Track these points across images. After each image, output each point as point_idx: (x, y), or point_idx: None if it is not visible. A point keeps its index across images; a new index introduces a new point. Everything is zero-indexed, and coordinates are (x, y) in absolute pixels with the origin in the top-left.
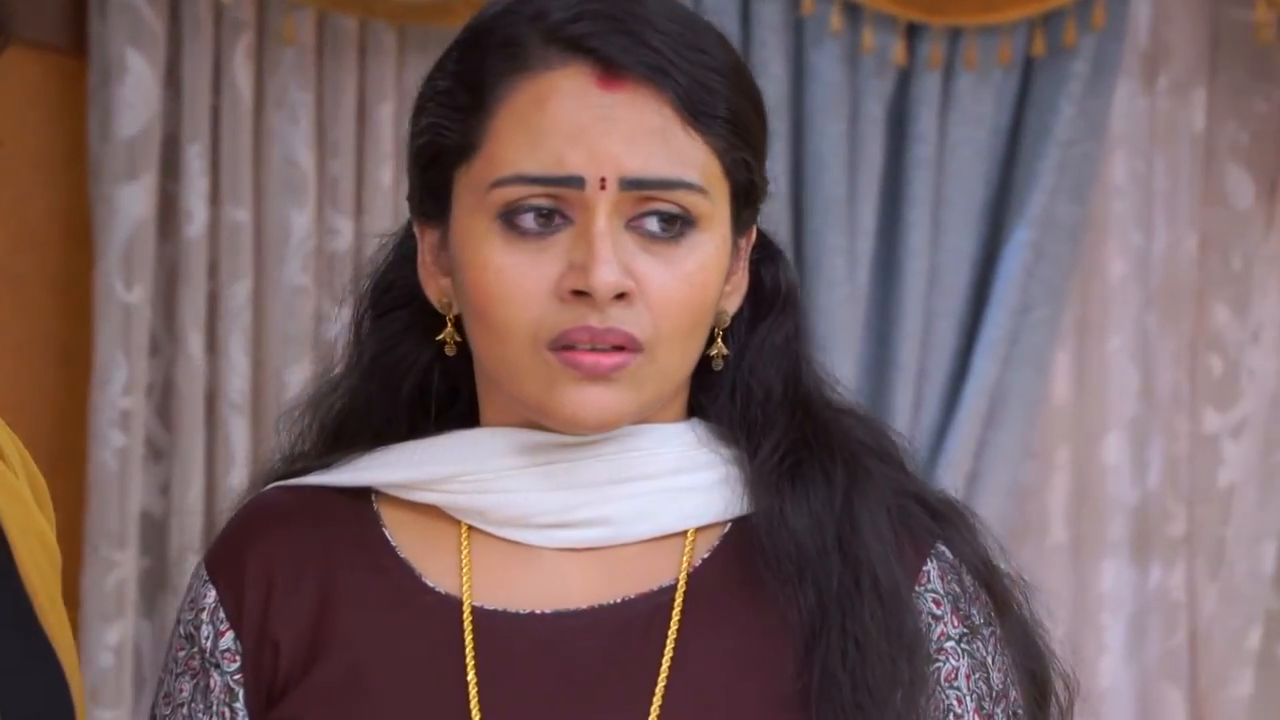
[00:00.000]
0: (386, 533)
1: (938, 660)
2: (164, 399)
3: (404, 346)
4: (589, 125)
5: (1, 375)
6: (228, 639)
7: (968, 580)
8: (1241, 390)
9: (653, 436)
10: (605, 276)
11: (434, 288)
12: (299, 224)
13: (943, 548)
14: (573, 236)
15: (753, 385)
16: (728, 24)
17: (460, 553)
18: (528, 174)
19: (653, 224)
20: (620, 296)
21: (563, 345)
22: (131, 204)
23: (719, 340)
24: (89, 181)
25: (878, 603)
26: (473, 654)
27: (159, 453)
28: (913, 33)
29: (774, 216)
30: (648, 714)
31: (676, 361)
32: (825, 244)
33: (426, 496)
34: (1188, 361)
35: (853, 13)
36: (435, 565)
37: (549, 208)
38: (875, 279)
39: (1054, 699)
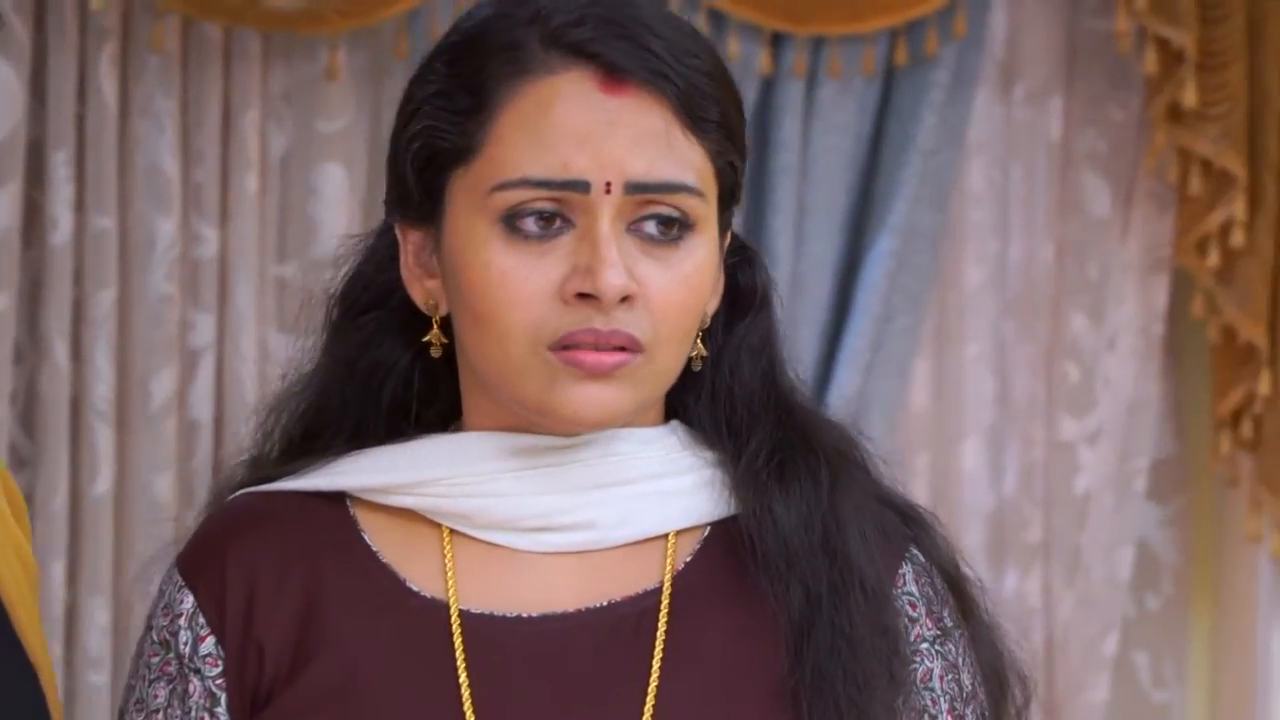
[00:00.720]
0: (365, 536)
1: (913, 661)
2: (28, 407)
3: (382, 348)
4: (593, 129)
5: None
6: (208, 644)
7: (939, 583)
8: (1097, 398)
9: (634, 440)
10: (613, 280)
11: (419, 290)
12: (164, 231)
13: (915, 551)
14: (575, 239)
15: (734, 386)
16: None
17: (444, 556)
18: (533, 177)
19: (653, 227)
20: (624, 299)
21: (565, 345)
22: None
23: (699, 342)
24: None
25: (864, 599)
26: (464, 658)
27: (22, 461)
28: (777, 42)
29: None
30: (641, 714)
31: (672, 362)
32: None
33: (404, 500)
34: (1044, 369)
35: (718, 22)
36: (418, 569)
37: (551, 211)
38: (795, 284)
39: (1010, 698)
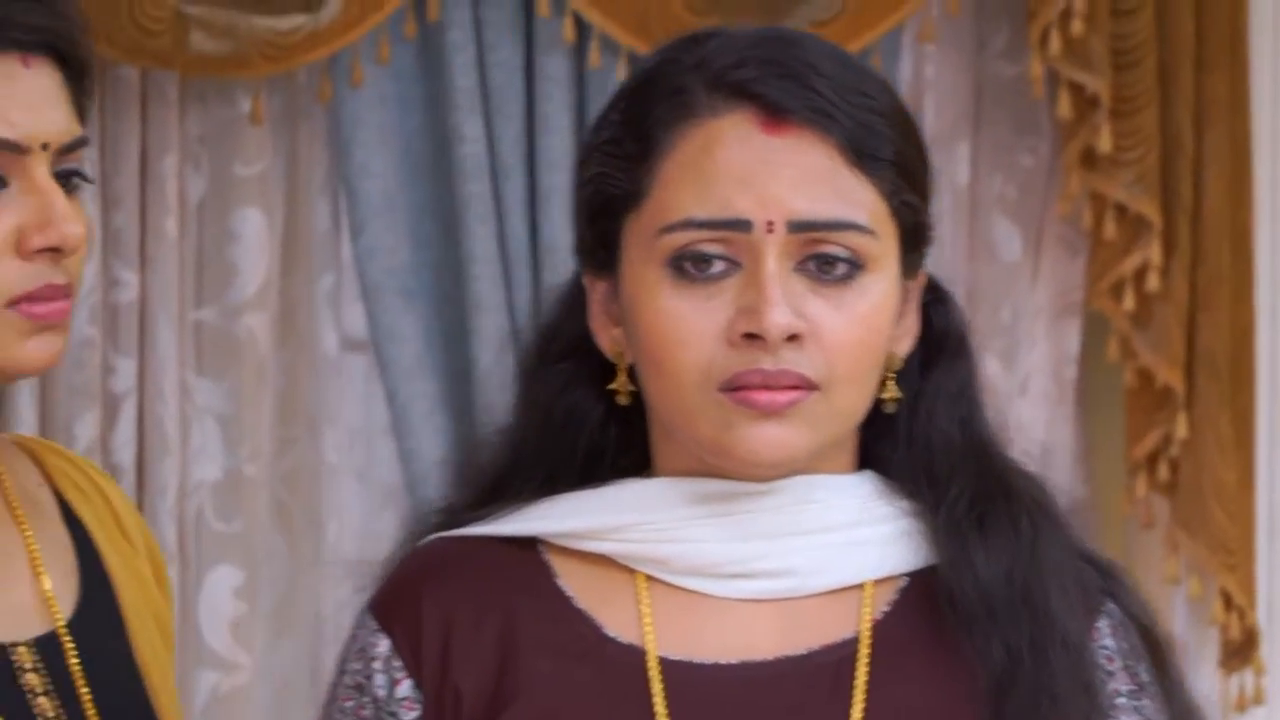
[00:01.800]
0: (559, 582)
1: (1109, 716)
2: None
3: (575, 396)
4: (755, 169)
5: None
6: (405, 687)
7: (1134, 638)
8: (1010, 441)
9: (829, 488)
10: (777, 319)
11: (606, 338)
12: (84, 276)
13: (1113, 605)
14: (742, 281)
15: (931, 434)
16: (510, 78)
17: (639, 602)
18: (696, 218)
19: (822, 266)
20: (792, 338)
21: (735, 386)
22: None
23: (890, 384)
24: None
25: (1065, 655)
26: (664, 705)
27: None
28: None
29: (560, 268)
30: None
31: (852, 402)
32: None
33: (599, 546)
34: None
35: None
36: (614, 615)
37: (717, 254)
38: None
39: None
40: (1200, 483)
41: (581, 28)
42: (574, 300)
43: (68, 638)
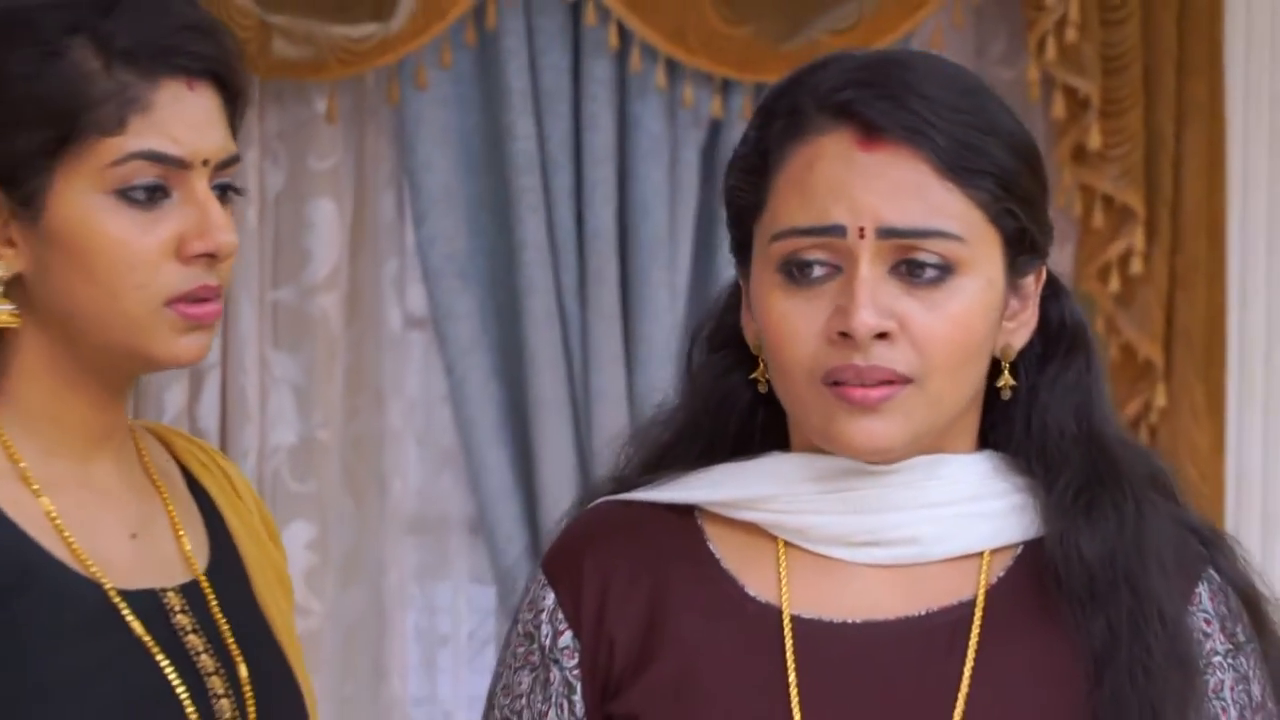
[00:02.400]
0: (710, 546)
1: (1205, 674)
2: None
3: (729, 381)
4: (850, 182)
5: None
6: (566, 638)
7: (1233, 601)
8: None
9: (952, 466)
10: (865, 319)
11: (750, 331)
12: None
13: (1212, 572)
14: (840, 284)
15: (1047, 422)
16: (558, 83)
17: (779, 566)
18: (799, 226)
19: (914, 270)
20: (882, 336)
21: (833, 380)
22: None
23: (1006, 373)
24: None
25: (1163, 631)
26: (793, 658)
27: None
28: (726, 88)
29: (603, 254)
30: (952, 716)
31: (949, 392)
32: (649, 278)
33: (747, 515)
34: None
35: (673, 70)
36: (755, 577)
37: (818, 260)
38: (691, 310)
39: None
40: (1176, 446)
41: (624, 35)
42: (732, 296)
43: (207, 585)
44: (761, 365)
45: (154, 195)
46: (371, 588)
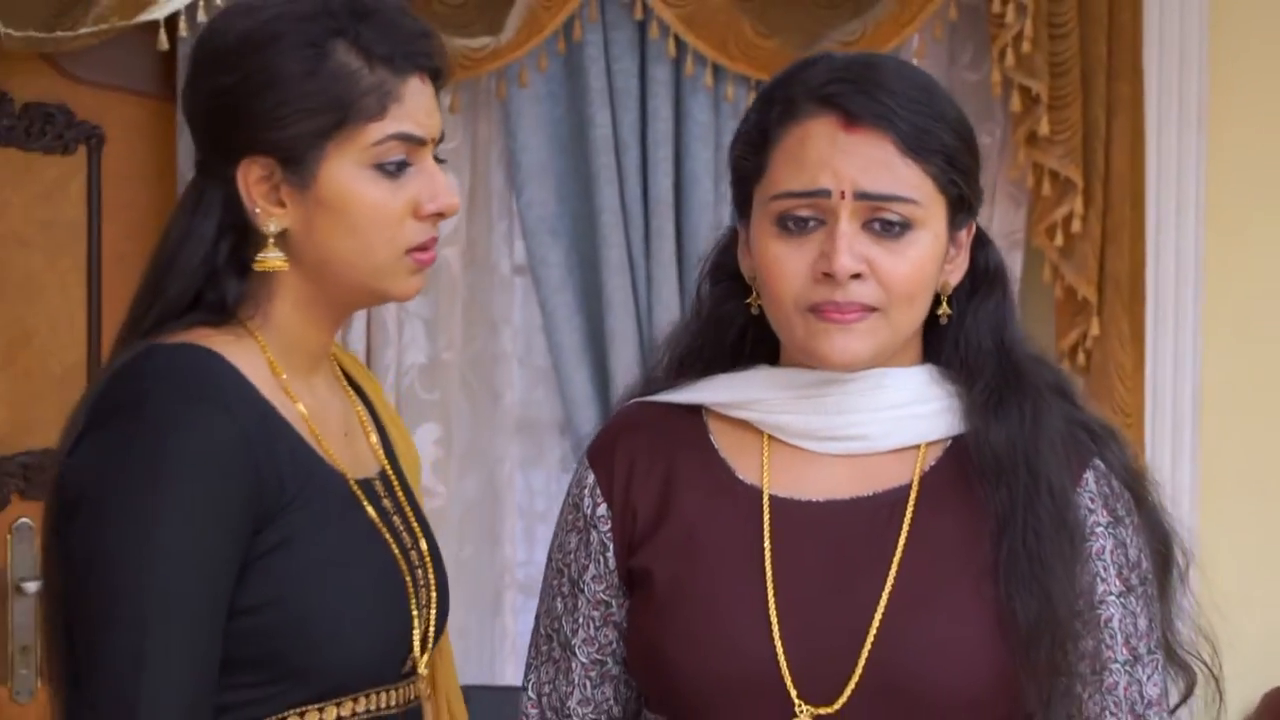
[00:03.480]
0: (712, 439)
1: (1089, 540)
2: None
3: (728, 306)
4: (834, 156)
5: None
6: (602, 509)
7: (1115, 484)
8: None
9: (897, 377)
10: (844, 263)
11: (746, 266)
12: None
13: (1098, 461)
14: (824, 234)
15: (970, 340)
16: (628, 83)
17: (763, 455)
18: (794, 190)
19: (883, 226)
20: (856, 276)
21: (817, 309)
22: None
23: (944, 304)
24: (178, 190)
25: (1051, 502)
26: (769, 527)
27: None
28: (759, 86)
29: (663, 215)
30: (888, 574)
31: (904, 320)
32: (698, 235)
33: (741, 414)
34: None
35: (718, 73)
36: (745, 464)
37: (809, 215)
38: None
39: (1175, 565)
40: (1107, 366)
41: (680, 46)
42: (731, 239)
43: (392, 474)
44: (754, 294)
45: (401, 167)
46: (485, 475)
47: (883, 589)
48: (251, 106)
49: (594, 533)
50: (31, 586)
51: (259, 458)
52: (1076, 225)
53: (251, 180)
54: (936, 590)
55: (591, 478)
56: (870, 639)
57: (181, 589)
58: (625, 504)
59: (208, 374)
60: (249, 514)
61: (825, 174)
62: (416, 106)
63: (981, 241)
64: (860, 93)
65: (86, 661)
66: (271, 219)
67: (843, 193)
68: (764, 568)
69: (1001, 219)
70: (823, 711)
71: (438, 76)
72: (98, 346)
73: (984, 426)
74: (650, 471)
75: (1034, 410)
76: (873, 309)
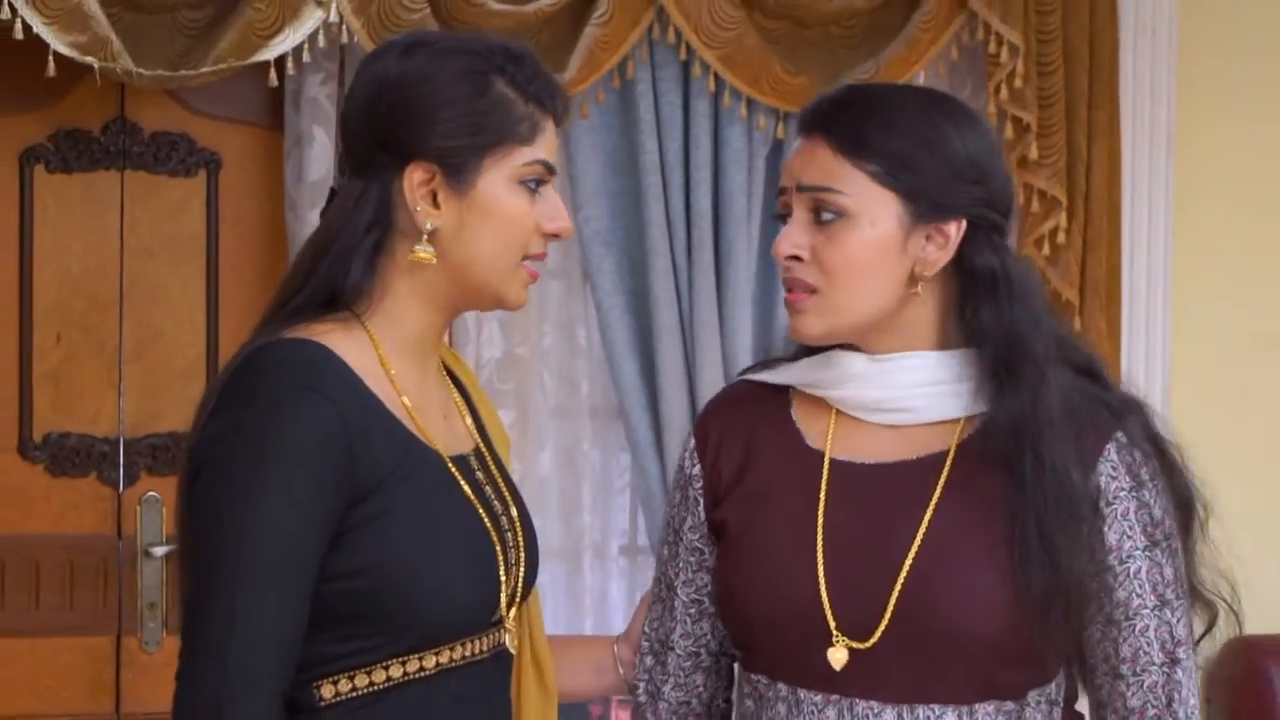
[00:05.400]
0: (792, 412)
1: (1114, 504)
2: None
3: None
4: (792, 160)
5: (230, 336)
6: (696, 469)
7: (1138, 453)
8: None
9: (927, 358)
10: (782, 247)
11: None
12: None
13: (1119, 434)
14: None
15: (985, 329)
16: (673, 114)
17: (830, 425)
18: (779, 186)
19: (821, 216)
20: (797, 258)
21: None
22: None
23: (918, 286)
24: (285, 208)
25: (1054, 479)
26: (826, 484)
27: None
28: (786, 117)
29: (703, 229)
30: (920, 527)
31: (848, 300)
32: (734, 246)
33: (817, 391)
34: None
35: (752, 106)
36: (814, 432)
37: (785, 210)
38: (762, 268)
39: (1196, 517)
40: None
41: (719, 82)
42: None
43: (485, 450)
44: None
45: (538, 187)
46: (556, 450)
47: (914, 540)
48: (426, 119)
49: (691, 489)
50: (158, 550)
51: (355, 441)
52: (1061, 237)
53: (415, 182)
54: (961, 544)
55: (692, 443)
56: (900, 583)
57: (275, 555)
58: (714, 465)
59: (317, 367)
60: (344, 492)
61: (785, 173)
62: (551, 141)
63: (993, 247)
64: (818, 111)
65: (189, 614)
66: (429, 218)
67: (792, 188)
68: (816, 518)
69: None
70: (858, 646)
71: (560, 124)
72: (215, 343)
73: (995, 405)
74: (736, 439)
75: (1033, 394)
76: (814, 290)
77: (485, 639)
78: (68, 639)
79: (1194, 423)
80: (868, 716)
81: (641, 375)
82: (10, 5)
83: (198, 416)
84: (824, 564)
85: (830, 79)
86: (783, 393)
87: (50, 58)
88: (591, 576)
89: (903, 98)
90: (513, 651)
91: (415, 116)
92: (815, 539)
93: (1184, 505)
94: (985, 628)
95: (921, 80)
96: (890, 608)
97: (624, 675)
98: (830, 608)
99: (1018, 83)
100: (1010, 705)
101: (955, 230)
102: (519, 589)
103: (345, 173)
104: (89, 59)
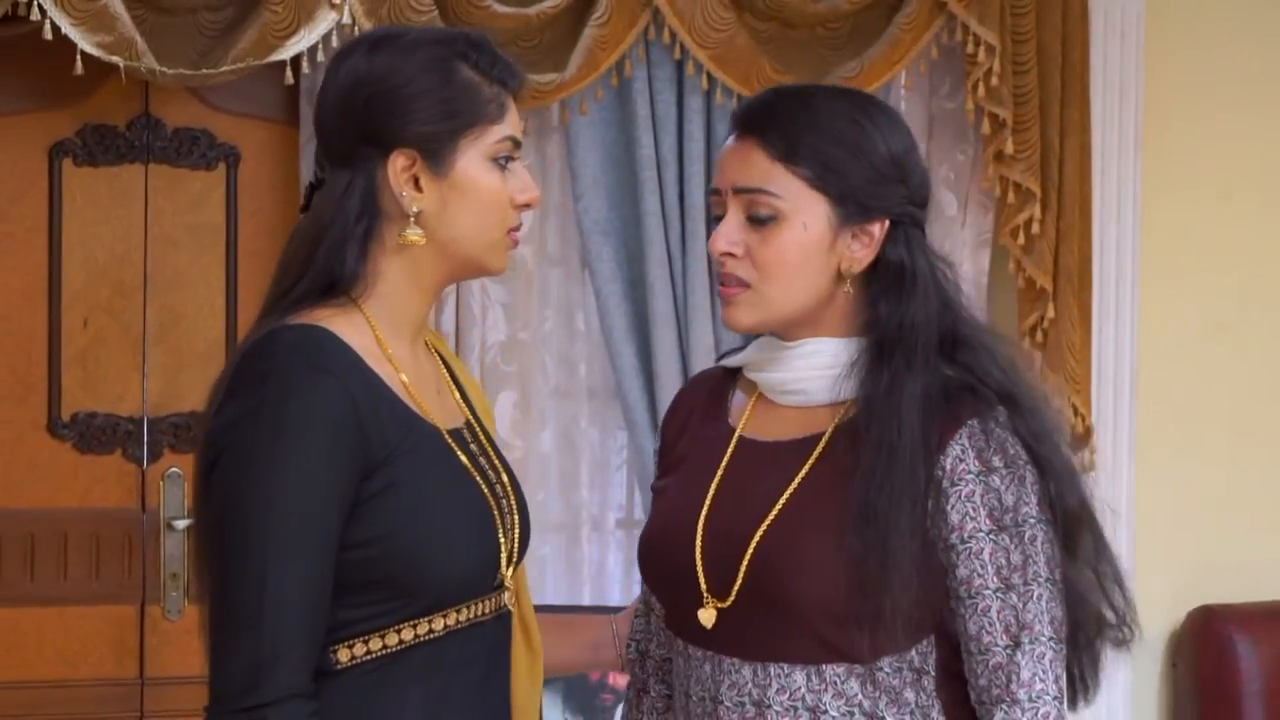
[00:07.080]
0: (731, 393)
1: (959, 485)
2: None
3: None
4: (725, 162)
5: (248, 320)
6: (658, 443)
7: (993, 440)
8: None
9: (823, 344)
10: (718, 244)
11: None
12: None
13: (974, 421)
14: None
15: (879, 319)
16: (668, 110)
17: (748, 405)
18: (712, 188)
19: (755, 215)
20: (730, 255)
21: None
22: None
23: (847, 283)
24: (299, 198)
25: (887, 457)
26: (728, 459)
27: None
28: None
29: (696, 219)
30: (779, 500)
31: (780, 295)
32: None
33: (746, 373)
34: None
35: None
36: (736, 412)
37: (720, 211)
38: None
39: (1088, 530)
40: (1060, 343)
41: (711, 80)
42: None
43: (475, 423)
44: None
45: (507, 163)
46: (556, 430)
47: (772, 511)
48: (403, 109)
49: (657, 456)
50: (180, 524)
51: (364, 417)
52: (1036, 228)
53: (399, 169)
54: (813, 516)
55: (663, 420)
56: (751, 549)
57: (298, 525)
58: (665, 437)
59: (323, 349)
60: (357, 464)
61: (720, 175)
62: (515, 117)
63: (895, 240)
64: (751, 112)
65: (221, 584)
66: (414, 201)
67: (727, 190)
68: (708, 490)
69: (973, 222)
70: (722, 606)
71: (519, 101)
72: (234, 327)
73: (861, 390)
74: (684, 416)
75: (891, 379)
76: (745, 285)
77: (489, 601)
78: (94, 607)
79: (1160, 401)
80: (731, 672)
81: (638, 358)
82: (40, 7)
83: (210, 402)
84: (702, 531)
85: (817, 77)
86: (734, 373)
87: (78, 57)
88: (589, 549)
89: (831, 101)
90: (512, 610)
91: (392, 108)
92: (702, 508)
93: (1070, 509)
94: (816, 593)
95: (903, 79)
96: (742, 571)
97: (620, 652)
98: (702, 570)
99: (994, 81)
100: (860, 669)
101: (879, 230)
102: (516, 550)
103: (324, 167)
104: (115, 58)
